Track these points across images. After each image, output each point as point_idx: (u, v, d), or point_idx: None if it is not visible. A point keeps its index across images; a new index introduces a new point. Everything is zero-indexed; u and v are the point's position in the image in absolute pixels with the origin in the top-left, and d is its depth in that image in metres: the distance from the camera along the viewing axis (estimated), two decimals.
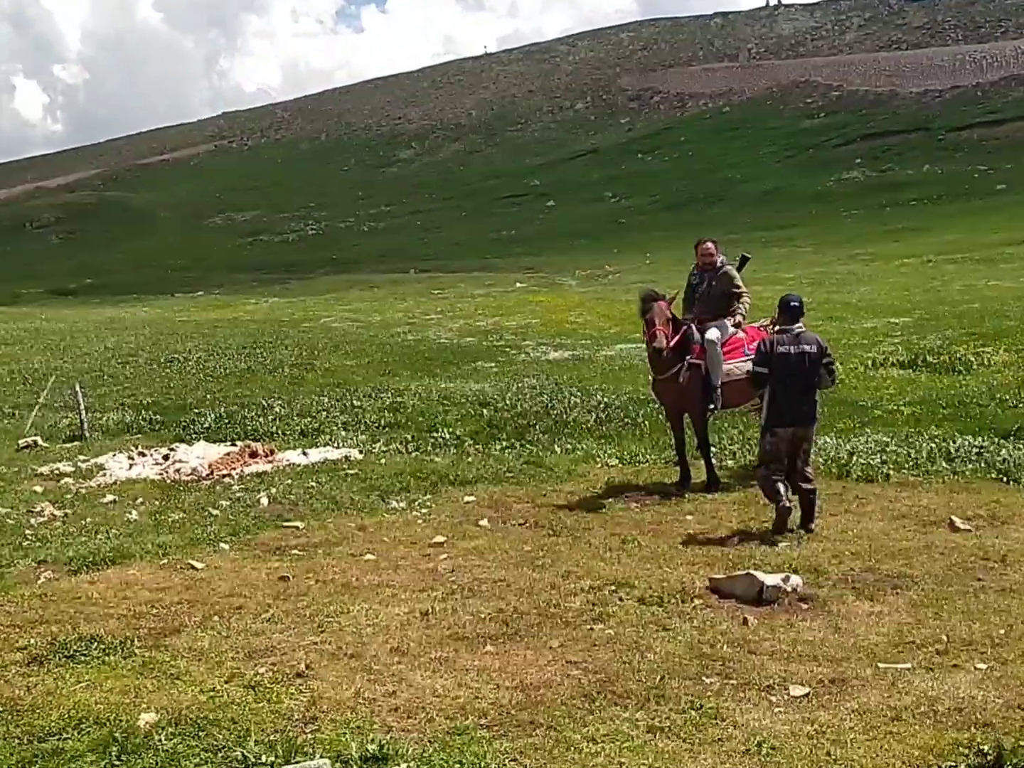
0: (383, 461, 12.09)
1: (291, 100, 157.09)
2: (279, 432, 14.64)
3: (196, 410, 16.62)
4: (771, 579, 6.82)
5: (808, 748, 4.60)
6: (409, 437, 13.78)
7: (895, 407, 14.77)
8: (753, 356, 9.76)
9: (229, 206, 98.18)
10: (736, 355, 10.22)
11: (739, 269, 10.86)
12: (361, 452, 12.70)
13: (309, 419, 15.62)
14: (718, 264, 10.60)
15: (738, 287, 10.54)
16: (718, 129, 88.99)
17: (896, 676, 5.44)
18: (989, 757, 4.34)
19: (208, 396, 18.30)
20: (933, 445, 11.39)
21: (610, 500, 9.86)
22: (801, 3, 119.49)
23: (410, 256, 64.50)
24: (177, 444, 13.28)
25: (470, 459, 12.10)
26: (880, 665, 5.62)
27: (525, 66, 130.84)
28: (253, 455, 11.99)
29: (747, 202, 68.32)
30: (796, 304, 9.05)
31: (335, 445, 13.24)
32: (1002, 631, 6.07)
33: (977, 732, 4.66)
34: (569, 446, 12.53)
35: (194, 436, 14.46)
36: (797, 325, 9.00)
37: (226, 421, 15.56)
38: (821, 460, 11.02)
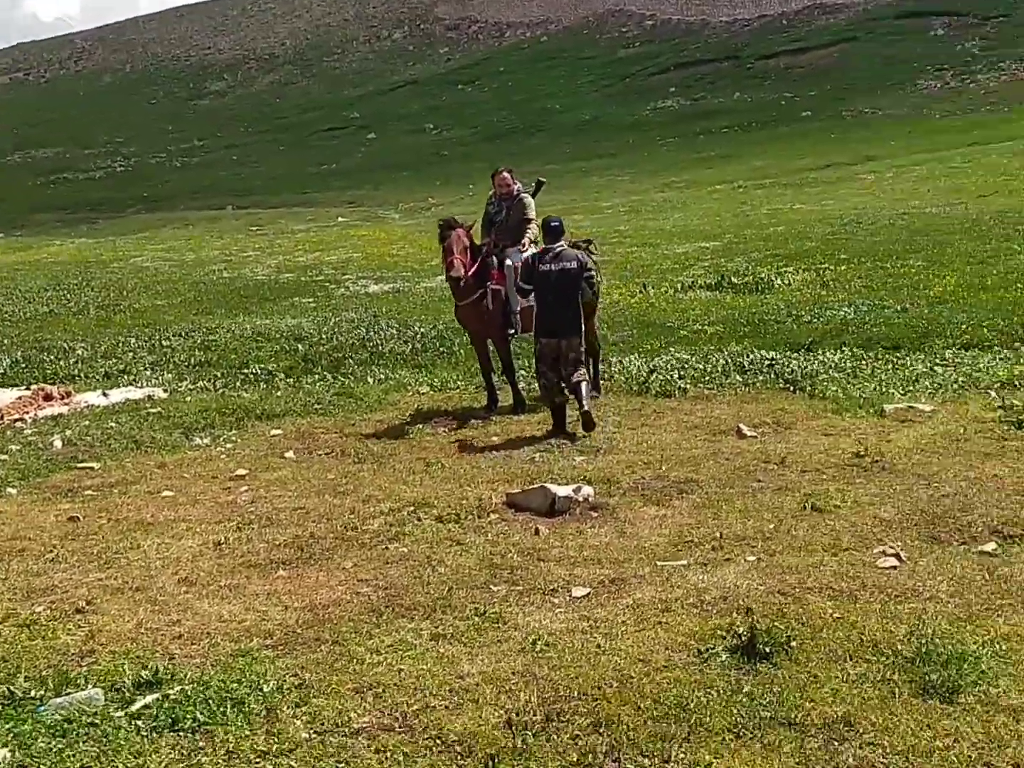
0: (188, 399, 11.83)
1: (92, 29, 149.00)
2: (81, 375, 14.15)
3: None
4: (563, 490, 7.02)
5: (580, 642, 4.79)
6: (219, 375, 13.53)
7: (700, 327, 15.29)
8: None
9: (28, 142, 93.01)
10: None
11: (535, 194, 10.95)
12: (166, 391, 12.39)
13: (114, 360, 15.15)
14: (515, 192, 10.68)
15: (529, 217, 10.63)
16: (536, 59, 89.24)
17: (671, 573, 5.70)
18: (744, 638, 4.60)
19: (5, 341, 17.49)
20: (729, 360, 11.88)
21: (418, 426, 9.93)
22: None
23: (226, 192, 62.75)
24: None
25: (279, 393, 11.96)
26: (658, 563, 5.88)
27: None
28: (48, 398, 11.54)
29: (566, 132, 68.93)
30: (556, 224, 9.64)
31: (139, 385, 12.88)
32: (772, 526, 6.43)
33: (737, 617, 4.93)
34: (382, 376, 12.53)
35: None
36: (558, 244, 9.58)
37: (23, 366, 14.94)
38: (623, 379, 11.38)
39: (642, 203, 43.42)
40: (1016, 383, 10.07)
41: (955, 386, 10.14)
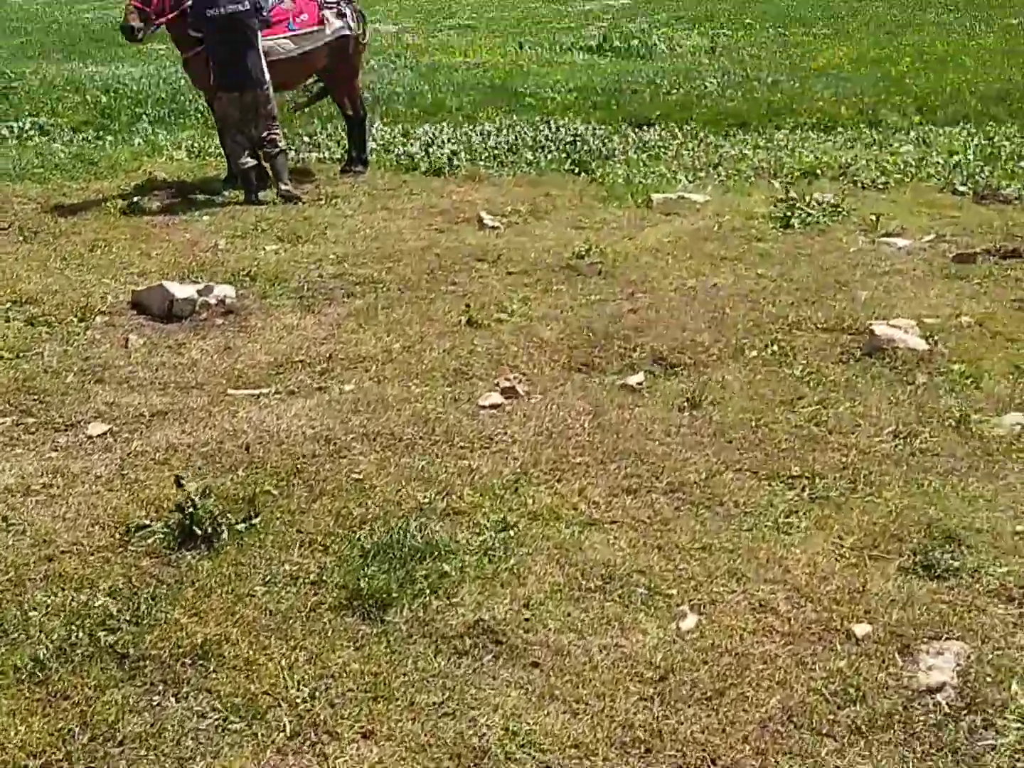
0: None
1: None
2: None
3: None
4: (183, 291, 5.82)
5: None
6: None
7: (550, 95, 13.82)
8: (297, 31, 8.62)
9: None
10: (280, 30, 8.74)
11: None
12: None
13: None
14: None
15: None
16: None
17: (229, 406, 4.62)
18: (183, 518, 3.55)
19: None
20: (528, 134, 10.50)
21: (134, 199, 8.54)
22: None
23: None
24: None
25: (14, 153, 10.38)
26: (230, 392, 4.79)
27: None
28: None
29: None
30: None
31: None
32: (405, 344, 5.31)
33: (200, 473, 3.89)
34: (146, 139, 11.01)
35: None
36: None
37: None
38: (399, 152, 9.99)
39: None
40: (820, 172, 8.85)
41: (752, 173, 8.91)
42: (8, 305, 5.92)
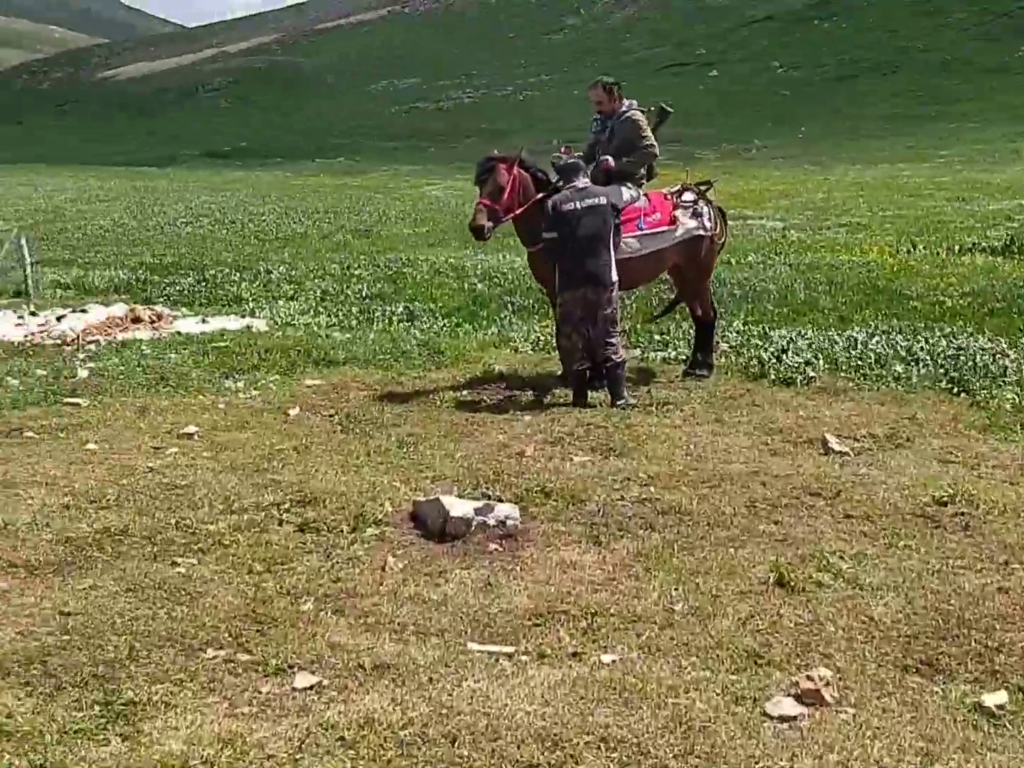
0: (281, 334, 10.75)
1: None
2: (250, 298, 13.55)
3: (190, 271, 15.77)
4: (461, 508, 5.18)
5: None
6: (358, 311, 12.40)
7: (939, 299, 12.51)
8: (646, 230, 8.11)
9: (392, 72, 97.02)
10: (628, 228, 8.25)
11: (658, 125, 8.73)
12: (273, 322, 11.42)
13: (295, 286, 14.49)
14: (622, 109, 8.56)
15: (644, 137, 8.47)
16: None
17: (461, 667, 3.81)
18: None
19: (233, 258, 17.31)
20: (897, 344, 9.25)
21: (463, 392, 8.25)
22: None
23: (551, 129, 62.03)
24: (91, 305, 12.21)
25: (372, 337, 10.58)
26: (470, 645, 3.99)
27: None
28: (136, 320, 10.85)
29: (923, 72, 62.65)
30: (572, 162, 8.15)
31: (259, 313, 12.01)
32: (685, 606, 4.29)
33: None
34: (488, 327, 10.93)
35: (160, 299, 13.57)
36: (581, 181, 7.92)
37: (205, 284, 14.57)
38: (746, 357, 9.09)
39: (983, 153, 38.38)
40: None
41: None
42: (288, 505, 5.55)
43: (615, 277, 7.80)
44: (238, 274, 15.45)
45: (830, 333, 9.94)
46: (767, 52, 76.28)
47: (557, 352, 8.46)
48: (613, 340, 7.81)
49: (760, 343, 9.48)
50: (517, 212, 8.16)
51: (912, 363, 8.62)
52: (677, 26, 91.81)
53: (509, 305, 12.79)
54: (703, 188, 8.75)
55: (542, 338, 10.10)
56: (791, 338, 9.61)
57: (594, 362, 7.85)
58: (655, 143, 8.49)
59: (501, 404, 7.90)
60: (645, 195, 8.54)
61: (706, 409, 7.57)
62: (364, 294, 13.78)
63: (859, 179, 31.73)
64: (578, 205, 7.69)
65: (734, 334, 10.00)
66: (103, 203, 30.75)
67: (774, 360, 8.69)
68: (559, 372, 8.60)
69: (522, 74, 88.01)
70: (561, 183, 8.02)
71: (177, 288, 14.30)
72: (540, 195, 8.18)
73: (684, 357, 9.22)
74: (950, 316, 11.44)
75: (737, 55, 77.37)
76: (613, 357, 7.77)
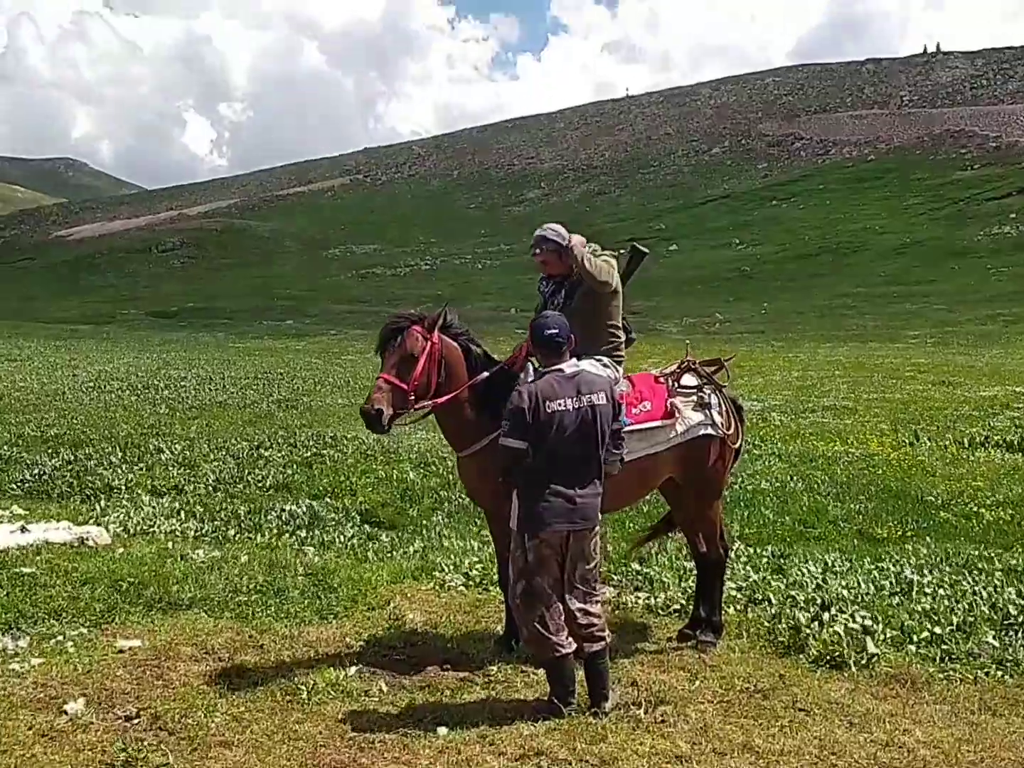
0: (123, 551, 7.84)
1: (428, 138, 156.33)
2: (123, 487, 10.66)
3: (64, 448, 12.83)
4: None
5: None
6: (245, 511, 9.58)
7: (975, 509, 10.17)
8: (630, 425, 5.44)
9: (350, 238, 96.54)
10: None
11: (632, 271, 6.14)
12: (118, 532, 8.52)
13: (185, 471, 11.63)
14: (575, 269, 5.90)
15: (610, 288, 5.82)
16: (859, 178, 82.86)
17: None
18: None
19: (127, 432, 14.39)
20: (993, 595, 6.53)
21: (347, 673, 5.38)
22: (962, 51, 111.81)
23: (511, 296, 60.66)
24: None
25: (245, 558, 7.73)
26: None
27: (664, 109, 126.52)
28: None
29: (882, 255, 62.55)
30: (554, 333, 5.08)
31: (111, 515, 9.14)
32: None
33: None
34: (411, 540, 8.18)
35: (10, 487, 10.68)
36: (569, 363, 5.08)
37: (71, 469, 11.61)
38: (767, 614, 6.31)
39: (955, 335, 37.01)
40: None
41: None
42: None
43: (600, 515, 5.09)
44: (121, 453, 12.55)
45: (863, 562, 7.28)
46: (726, 230, 76.40)
47: (507, 603, 5.67)
48: (595, 610, 5.02)
49: (784, 584, 6.73)
50: (441, 400, 5.46)
51: (1012, 628, 5.91)
52: (636, 202, 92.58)
53: (445, 504, 10.16)
54: (712, 369, 6.12)
55: (485, 565, 7.32)
56: (822, 576, 6.91)
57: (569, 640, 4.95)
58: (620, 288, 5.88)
59: (403, 705, 5.03)
60: (627, 377, 5.93)
61: (723, 718, 4.78)
62: (267, 484, 10.98)
63: (831, 357, 29.93)
64: (570, 404, 4.93)
65: (741, 566, 7.30)
66: (12, 363, 27.90)
67: (815, 623, 5.88)
68: (501, 631, 5.81)
69: (482, 243, 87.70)
70: (540, 359, 5.22)
71: (35, 472, 11.37)
72: (484, 374, 5.53)
73: (679, 606, 6.45)
74: (996, 533, 9.01)
75: (696, 231, 77.39)
76: (597, 635, 4.95)
